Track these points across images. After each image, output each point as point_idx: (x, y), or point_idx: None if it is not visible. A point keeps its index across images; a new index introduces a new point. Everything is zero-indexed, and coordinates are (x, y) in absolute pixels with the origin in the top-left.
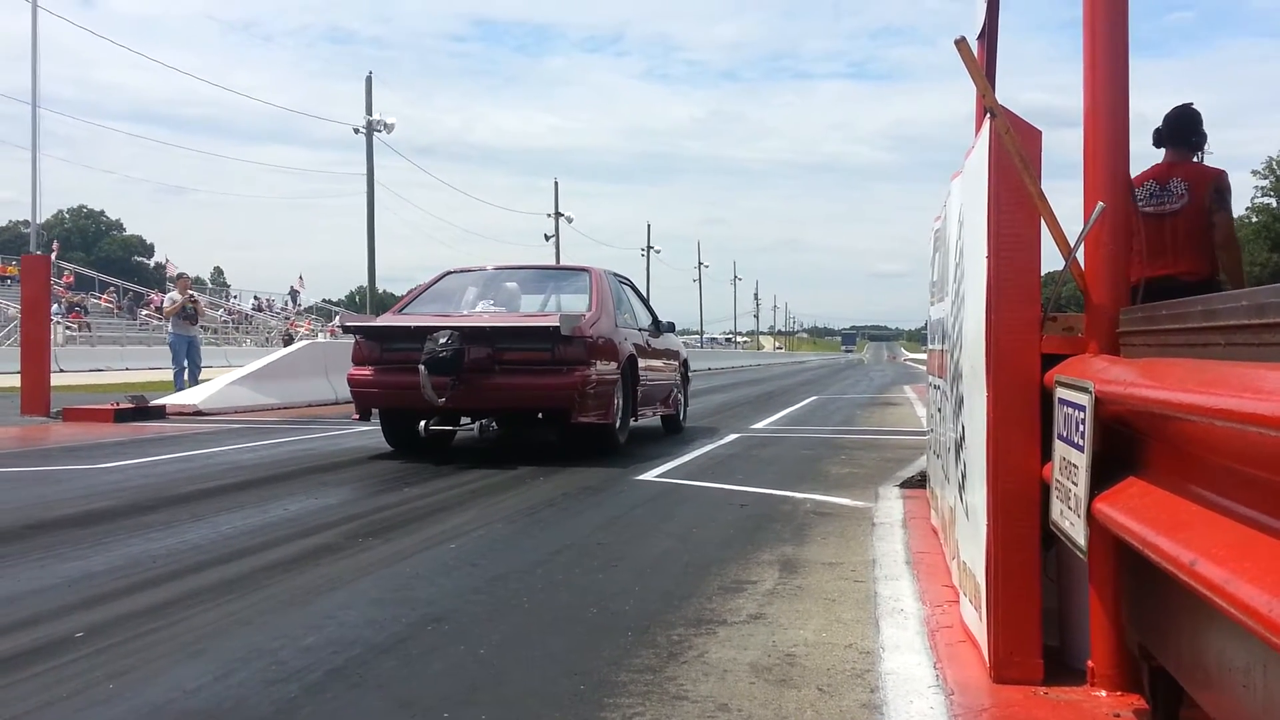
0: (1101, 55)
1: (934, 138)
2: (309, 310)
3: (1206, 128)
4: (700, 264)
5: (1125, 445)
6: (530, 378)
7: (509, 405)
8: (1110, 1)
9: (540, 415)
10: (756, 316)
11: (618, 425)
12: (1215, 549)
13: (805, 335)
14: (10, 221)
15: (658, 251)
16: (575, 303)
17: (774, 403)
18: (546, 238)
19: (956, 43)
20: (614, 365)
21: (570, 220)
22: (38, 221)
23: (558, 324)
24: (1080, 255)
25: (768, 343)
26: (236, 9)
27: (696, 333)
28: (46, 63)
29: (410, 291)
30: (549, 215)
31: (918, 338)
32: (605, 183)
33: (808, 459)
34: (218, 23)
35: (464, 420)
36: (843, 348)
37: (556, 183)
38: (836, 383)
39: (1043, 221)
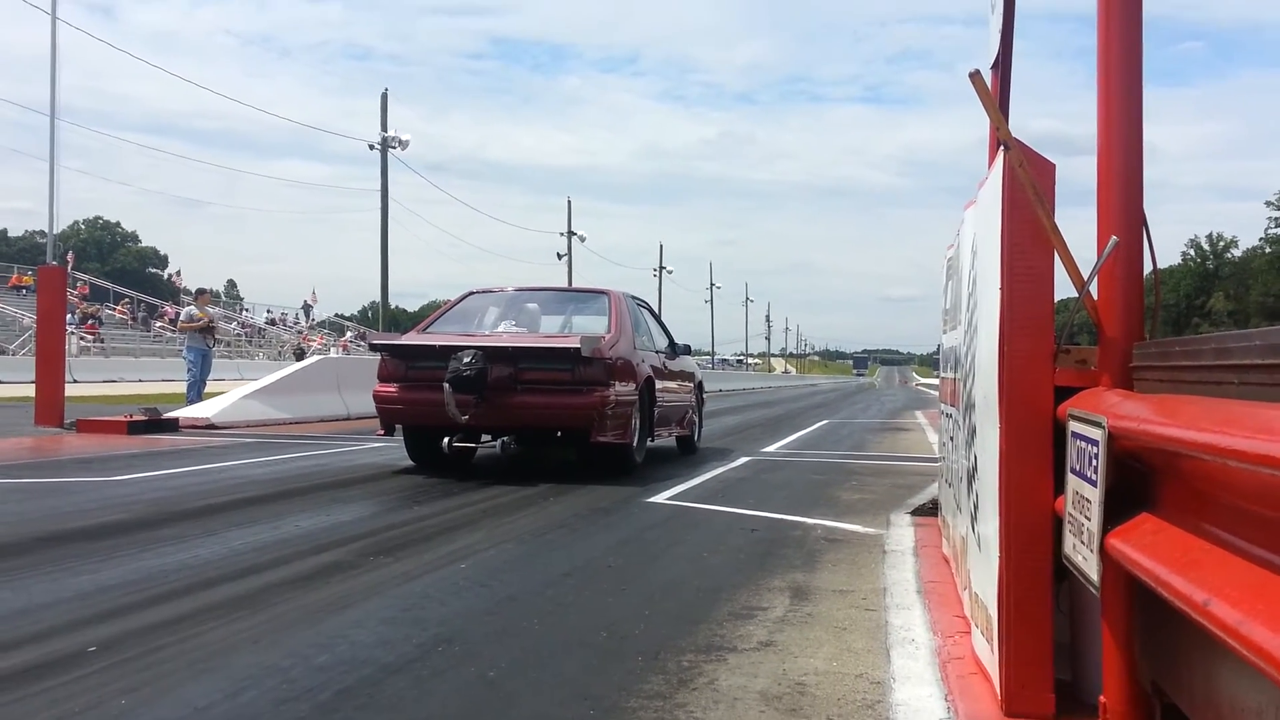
0: (1116, 91)
1: (947, 163)
2: (321, 325)
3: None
4: (712, 285)
5: (1138, 481)
6: (551, 397)
7: (530, 424)
8: (1125, 33)
9: (560, 434)
10: (768, 338)
11: (635, 445)
12: (1229, 589)
13: (817, 358)
14: (26, 231)
15: (670, 272)
16: (595, 324)
17: (785, 426)
18: (559, 256)
19: (971, 76)
20: (632, 386)
21: (583, 239)
22: (54, 232)
23: (578, 345)
24: (1093, 287)
25: (779, 365)
26: (254, 23)
27: (708, 354)
28: (64, 74)
29: (433, 311)
30: (562, 234)
31: (929, 362)
32: (619, 202)
33: (819, 484)
34: (235, 37)
35: (484, 438)
36: (854, 371)
37: (570, 202)
38: (848, 406)
39: (1056, 253)
